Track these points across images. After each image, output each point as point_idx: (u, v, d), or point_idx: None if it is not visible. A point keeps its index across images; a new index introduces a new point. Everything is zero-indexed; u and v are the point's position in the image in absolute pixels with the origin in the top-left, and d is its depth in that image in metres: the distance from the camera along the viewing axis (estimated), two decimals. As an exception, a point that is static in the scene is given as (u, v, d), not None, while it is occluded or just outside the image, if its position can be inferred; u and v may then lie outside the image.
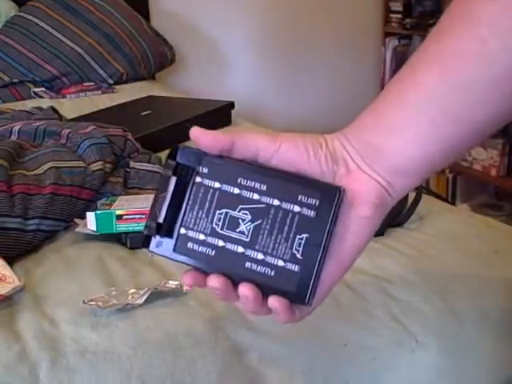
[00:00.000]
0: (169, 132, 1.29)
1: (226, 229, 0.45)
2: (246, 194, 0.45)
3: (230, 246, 0.45)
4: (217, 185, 0.45)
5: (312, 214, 0.44)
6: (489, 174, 2.42)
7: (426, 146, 0.44)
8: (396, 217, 0.83)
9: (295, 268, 0.44)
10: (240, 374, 0.55)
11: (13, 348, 0.59)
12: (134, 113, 1.45)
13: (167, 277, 0.72)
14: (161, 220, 0.46)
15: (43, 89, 1.94)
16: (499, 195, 2.62)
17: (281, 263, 0.44)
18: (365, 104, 0.48)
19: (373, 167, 0.45)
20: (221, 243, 0.45)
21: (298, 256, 0.44)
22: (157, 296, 0.67)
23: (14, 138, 1.05)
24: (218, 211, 0.45)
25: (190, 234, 0.46)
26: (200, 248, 0.45)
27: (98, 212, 0.80)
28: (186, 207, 0.46)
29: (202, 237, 0.45)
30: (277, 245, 0.44)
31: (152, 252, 0.46)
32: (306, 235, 0.44)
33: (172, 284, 0.68)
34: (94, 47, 2.04)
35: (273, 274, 0.44)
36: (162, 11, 2.57)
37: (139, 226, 0.80)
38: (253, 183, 0.45)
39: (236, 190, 0.45)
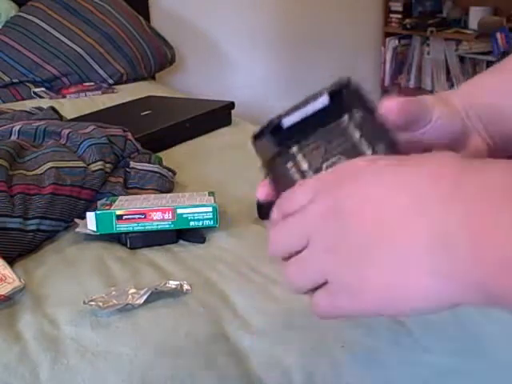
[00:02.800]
0: (169, 132, 1.29)
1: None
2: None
3: None
4: (357, 135, 0.41)
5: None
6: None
7: None
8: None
9: None
10: (240, 376, 0.55)
11: (13, 348, 0.59)
12: (134, 113, 1.44)
13: (167, 277, 0.72)
14: (285, 124, 0.42)
15: (43, 89, 1.94)
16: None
17: None
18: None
19: (488, 128, 0.45)
20: None
21: None
22: (157, 296, 0.67)
23: (14, 138, 1.05)
24: (333, 158, 0.40)
25: (299, 157, 0.42)
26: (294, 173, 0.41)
27: (98, 212, 0.80)
28: (315, 133, 0.42)
29: (304, 167, 0.41)
30: None
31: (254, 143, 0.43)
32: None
33: (172, 284, 0.68)
34: (94, 47, 2.04)
35: None
36: (162, 11, 2.57)
37: (139, 226, 0.80)
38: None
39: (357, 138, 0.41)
